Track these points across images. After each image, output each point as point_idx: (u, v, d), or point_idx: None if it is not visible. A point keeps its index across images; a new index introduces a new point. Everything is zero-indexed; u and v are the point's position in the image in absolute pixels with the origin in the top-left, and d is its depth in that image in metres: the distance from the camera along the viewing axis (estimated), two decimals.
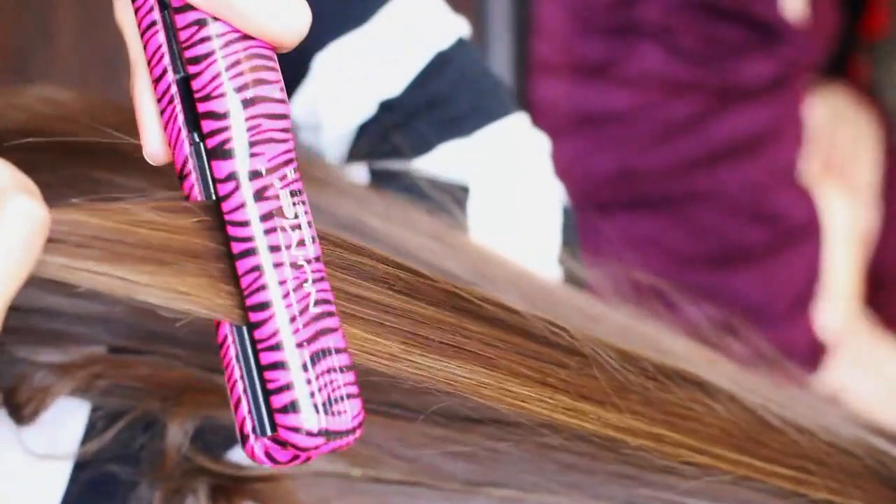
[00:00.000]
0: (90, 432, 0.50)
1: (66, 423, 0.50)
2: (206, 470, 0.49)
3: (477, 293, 0.44)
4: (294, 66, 0.58)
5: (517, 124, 0.61)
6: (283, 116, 0.39)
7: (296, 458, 0.38)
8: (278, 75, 0.39)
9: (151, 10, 0.39)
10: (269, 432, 0.38)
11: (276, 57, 0.39)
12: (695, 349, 0.58)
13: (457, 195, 0.58)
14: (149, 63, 0.39)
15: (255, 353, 0.38)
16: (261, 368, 0.38)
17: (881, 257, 1.26)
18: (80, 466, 0.49)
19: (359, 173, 0.59)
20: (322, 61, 0.57)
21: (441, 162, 0.59)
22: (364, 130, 0.59)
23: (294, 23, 0.37)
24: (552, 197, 0.61)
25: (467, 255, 0.56)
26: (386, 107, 0.58)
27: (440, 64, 0.59)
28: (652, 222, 1.11)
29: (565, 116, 1.11)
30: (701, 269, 1.11)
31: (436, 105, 0.59)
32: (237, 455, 0.50)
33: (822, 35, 1.20)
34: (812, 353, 1.15)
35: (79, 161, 0.52)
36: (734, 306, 1.05)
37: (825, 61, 1.23)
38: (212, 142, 0.38)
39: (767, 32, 1.12)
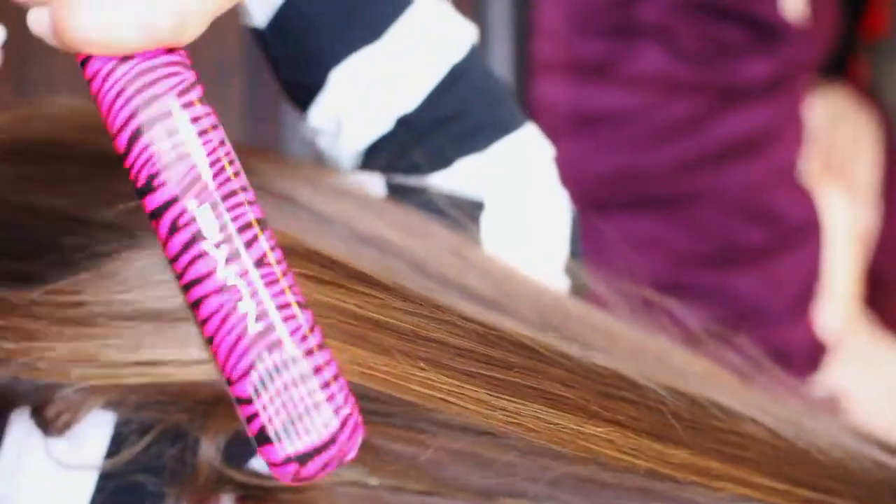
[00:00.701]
0: (116, 443, 0.50)
1: (90, 433, 0.50)
2: (231, 480, 0.49)
3: (545, 343, 0.45)
4: (311, 77, 0.58)
5: (528, 135, 0.61)
6: (201, 119, 0.36)
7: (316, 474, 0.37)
8: (181, 77, 0.36)
9: None
10: None
11: (180, 56, 0.37)
12: (706, 365, 0.58)
13: (473, 212, 0.58)
14: None
15: None
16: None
17: (881, 257, 1.26)
18: (106, 477, 0.49)
19: (375, 186, 0.59)
20: (339, 75, 0.57)
21: (457, 177, 0.59)
22: (380, 145, 0.59)
23: (155, 28, 0.35)
24: (561, 208, 0.62)
25: (486, 270, 0.56)
26: (403, 122, 0.58)
27: (454, 77, 0.59)
28: (652, 222, 1.11)
29: (565, 116, 1.11)
30: (701, 269, 1.12)
31: (451, 119, 0.59)
32: (260, 464, 0.50)
33: (822, 35, 1.20)
34: (812, 354, 1.15)
35: (103, 172, 0.52)
36: (734, 306, 1.06)
37: (825, 61, 1.23)
38: (134, 181, 0.36)
39: (767, 32, 1.12)
